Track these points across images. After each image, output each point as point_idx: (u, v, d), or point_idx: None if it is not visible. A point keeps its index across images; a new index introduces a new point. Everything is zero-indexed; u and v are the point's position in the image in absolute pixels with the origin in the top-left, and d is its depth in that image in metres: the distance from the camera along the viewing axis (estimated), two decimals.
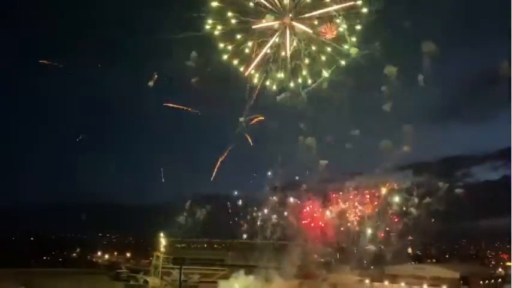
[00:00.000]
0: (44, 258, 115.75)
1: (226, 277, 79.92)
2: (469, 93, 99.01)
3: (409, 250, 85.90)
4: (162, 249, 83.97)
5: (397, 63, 62.64)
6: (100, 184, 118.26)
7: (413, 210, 79.45)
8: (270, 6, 55.44)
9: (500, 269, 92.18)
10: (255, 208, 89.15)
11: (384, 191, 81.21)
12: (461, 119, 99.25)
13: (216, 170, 66.83)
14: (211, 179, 65.63)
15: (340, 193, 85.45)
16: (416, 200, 79.78)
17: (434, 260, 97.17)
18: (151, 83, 55.87)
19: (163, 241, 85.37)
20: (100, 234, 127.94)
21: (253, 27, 54.86)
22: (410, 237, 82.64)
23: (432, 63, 65.22)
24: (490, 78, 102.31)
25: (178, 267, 76.76)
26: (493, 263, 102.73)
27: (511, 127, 59.38)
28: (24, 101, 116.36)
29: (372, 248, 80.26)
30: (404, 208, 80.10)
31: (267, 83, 58.03)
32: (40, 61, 66.34)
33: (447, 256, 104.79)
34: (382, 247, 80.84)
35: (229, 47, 58.03)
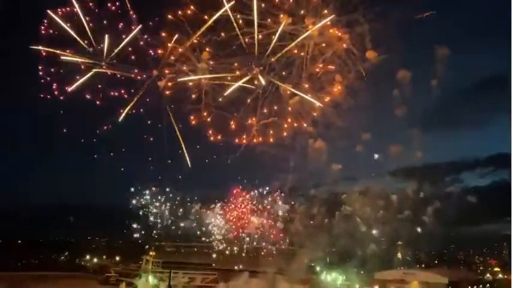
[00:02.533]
0: (32, 261, 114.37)
1: (216, 281, 79.74)
2: (460, 100, 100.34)
3: (399, 255, 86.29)
4: (152, 252, 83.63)
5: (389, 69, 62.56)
6: (88, 186, 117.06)
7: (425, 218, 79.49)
8: None
9: (488, 275, 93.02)
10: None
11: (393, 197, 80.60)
12: (453, 125, 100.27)
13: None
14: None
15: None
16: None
17: (423, 265, 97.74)
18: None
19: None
20: (89, 238, 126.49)
21: None
22: (399, 242, 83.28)
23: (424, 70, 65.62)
24: (480, 84, 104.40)
25: (168, 271, 76.52)
26: (481, 268, 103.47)
27: (511, 132, 60.23)
28: None
29: (374, 249, 79.78)
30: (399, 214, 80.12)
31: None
32: None
33: (436, 261, 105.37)
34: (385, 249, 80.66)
35: None
